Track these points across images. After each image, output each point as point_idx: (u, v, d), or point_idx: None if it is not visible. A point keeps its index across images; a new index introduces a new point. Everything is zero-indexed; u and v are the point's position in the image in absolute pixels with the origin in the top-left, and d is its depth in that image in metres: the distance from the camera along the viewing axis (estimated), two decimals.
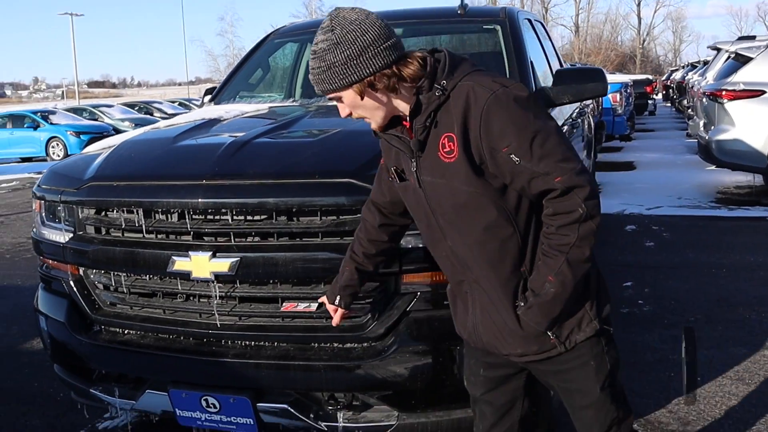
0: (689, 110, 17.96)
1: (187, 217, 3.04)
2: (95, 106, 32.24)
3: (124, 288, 3.27)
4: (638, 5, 64.95)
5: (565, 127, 4.84)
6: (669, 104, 34.37)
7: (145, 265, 3.14)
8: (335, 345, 3.00)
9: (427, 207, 2.27)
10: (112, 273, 3.29)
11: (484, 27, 5.01)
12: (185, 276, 3.04)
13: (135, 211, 3.15)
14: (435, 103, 2.13)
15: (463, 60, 2.21)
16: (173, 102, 39.39)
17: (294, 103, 4.57)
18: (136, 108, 33.70)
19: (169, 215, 3.13)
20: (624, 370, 4.65)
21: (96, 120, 28.37)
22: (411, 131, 2.21)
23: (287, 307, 3.03)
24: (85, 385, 3.46)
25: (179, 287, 3.14)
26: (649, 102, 26.18)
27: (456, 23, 5.32)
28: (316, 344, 3.01)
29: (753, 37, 13.98)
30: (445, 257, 2.36)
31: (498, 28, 4.75)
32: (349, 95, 2.15)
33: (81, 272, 3.41)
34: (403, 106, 2.19)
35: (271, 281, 3.00)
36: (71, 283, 3.41)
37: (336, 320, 2.73)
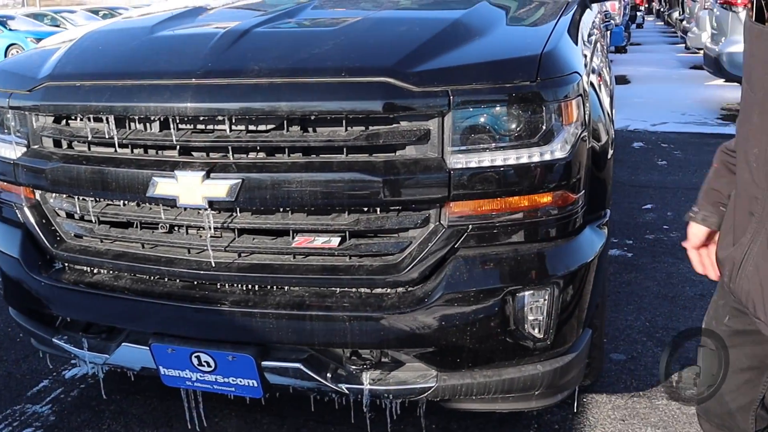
0: (684, 23, 17.29)
1: (172, 126, 2.39)
2: (57, 12, 30.85)
3: (92, 216, 2.61)
4: None
5: (596, 32, 4.17)
6: (653, 17, 33.55)
7: (118, 188, 2.47)
8: (363, 291, 2.39)
9: None
10: (76, 197, 2.62)
11: None
12: (170, 202, 2.39)
13: (105, 118, 2.47)
14: None
15: None
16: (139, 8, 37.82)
17: None
18: (101, 14, 32.19)
19: (148, 124, 2.47)
20: (665, 306, 4.19)
21: (58, 26, 27.06)
22: None
23: (301, 242, 2.40)
24: (46, 334, 2.82)
25: (162, 216, 2.48)
26: (638, 14, 25.32)
27: None
28: (338, 289, 2.40)
29: None
30: (754, 159, 1.63)
31: None
32: None
33: (37, 196, 2.73)
34: None
35: (280, 209, 2.36)
36: (25, 209, 2.73)
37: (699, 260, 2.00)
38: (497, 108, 2.24)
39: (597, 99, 2.74)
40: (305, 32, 2.72)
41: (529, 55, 2.31)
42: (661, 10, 28.87)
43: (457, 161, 2.24)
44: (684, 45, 17.42)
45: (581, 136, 2.40)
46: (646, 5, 36.21)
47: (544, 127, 2.26)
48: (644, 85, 13.08)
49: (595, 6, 4.01)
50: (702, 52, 11.29)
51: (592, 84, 2.78)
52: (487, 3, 3.05)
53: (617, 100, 10.95)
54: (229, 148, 2.36)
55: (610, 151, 2.83)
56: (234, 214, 2.39)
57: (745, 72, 1.67)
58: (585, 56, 2.85)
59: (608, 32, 5.58)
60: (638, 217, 5.76)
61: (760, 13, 1.58)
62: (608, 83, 3.71)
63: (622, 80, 13.77)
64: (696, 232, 1.97)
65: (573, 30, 2.85)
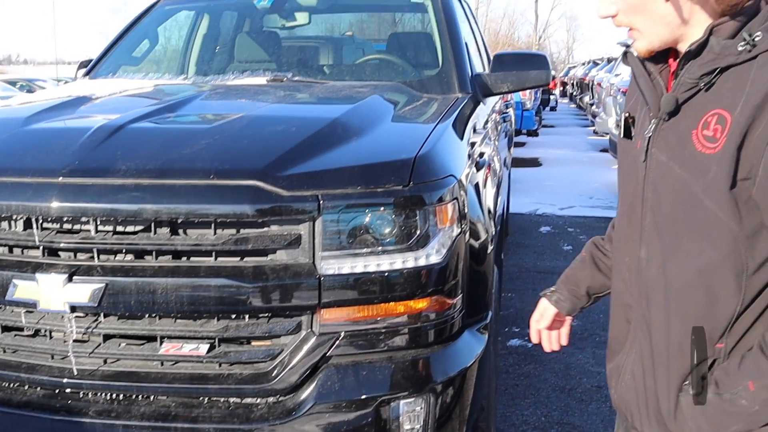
0: (593, 107, 17.88)
1: (35, 226, 2.28)
2: None
3: None
4: (536, 1, 65.41)
5: (490, 125, 4.24)
6: (567, 100, 34.70)
7: None
8: (232, 400, 2.29)
9: (641, 190, 1.55)
10: None
11: (412, 1, 4.35)
12: (30, 306, 2.27)
13: None
14: (729, 59, 1.39)
15: None
16: (59, 81, 37.15)
17: (185, 81, 3.79)
18: (18, 85, 31.65)
19: (11, 223, 2.36)
20: (562, 399, 4.17)
21: None
22: (672, 77, 1.50)
23: (168, 349, 2.30)
24: None
25: (23, 320, 2.35)
26: (551, 97, 26.16)
27: None
28: (206, 399, 2.29)
29: None
30: (625, 268, 1.65)
31: (428, 3, 4.08)
32: None
33: None
34: (692, 36, 1.45)
35: (147, 315, 2.26)
36: None
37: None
38: (369, 213, 2.21)
39: (477, 197, 2.74)
40: (180, 129, 2.66)
41: (403, 158, 2.30)
42: (574, 93, 29.91)
43: (328, 267, 2.19)
44: (592, 130, 18.00)
45: (458, 239, 2.38)
46: (561, 88, 37.52)
47: (417, 232, 2.24)
48: (555, 167, 13.38)
49: (489, 99, 4.07)
50: (608, 136, 11.67)
51: (475, 181, 2.79)
52: (379, 97, 3.05)
53: (528, 184, 11.20)
54: (95, 250, 2.26)
55: (490, 247, 2.82)
56: (98, 319, 2.29)
57: (618, 182, 1.73)
58: (471, 152, 2.87)
59: (506, 123, 5.69)
60: None
61: (627, 130, 1.65)
62: (498, 173, 3.75)
63: (533, 163, 14.09)
64: (545, 311, 2.03)
65: (459, 127, 2.87)
